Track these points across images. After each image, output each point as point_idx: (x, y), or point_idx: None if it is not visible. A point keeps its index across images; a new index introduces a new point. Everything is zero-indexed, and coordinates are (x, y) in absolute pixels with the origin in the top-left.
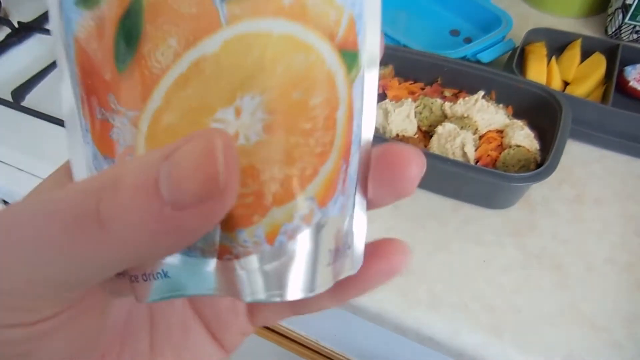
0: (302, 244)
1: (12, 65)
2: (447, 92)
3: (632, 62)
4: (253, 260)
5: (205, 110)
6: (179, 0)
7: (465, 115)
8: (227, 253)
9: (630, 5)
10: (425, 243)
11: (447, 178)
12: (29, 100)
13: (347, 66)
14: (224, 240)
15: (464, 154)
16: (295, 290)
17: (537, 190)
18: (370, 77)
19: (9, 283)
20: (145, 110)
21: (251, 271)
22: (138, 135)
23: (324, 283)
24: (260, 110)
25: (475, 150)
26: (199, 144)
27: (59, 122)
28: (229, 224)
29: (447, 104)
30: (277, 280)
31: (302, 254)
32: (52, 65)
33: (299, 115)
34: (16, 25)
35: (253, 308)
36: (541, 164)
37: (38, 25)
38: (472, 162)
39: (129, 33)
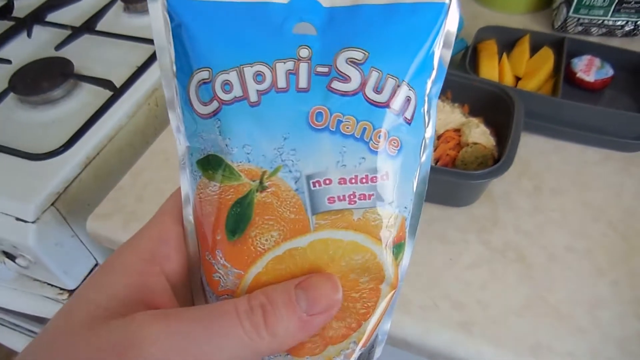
0: None
1: None
2: None
3: (578, 54)
4: None
5: (293, 278)
6: (283, 207)
7: None
8: None
9: None
10: None
11: None
12: None
13: (394, 255)
14: None
15: None
16: None
17: (498, 185)
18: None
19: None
20: (249, 272)
21: None
22: (240, 286)
23: None
24: None
25: (434, 150)
26: (329, 279)
27: (13, 153)
28: (300, 352)
29: None
30: None
31: None
32: (2, 94)
33: (351, 288)
34: None
35: None
36: (499, 159)
37: None
38: (432, 163)
39: (240, 217)
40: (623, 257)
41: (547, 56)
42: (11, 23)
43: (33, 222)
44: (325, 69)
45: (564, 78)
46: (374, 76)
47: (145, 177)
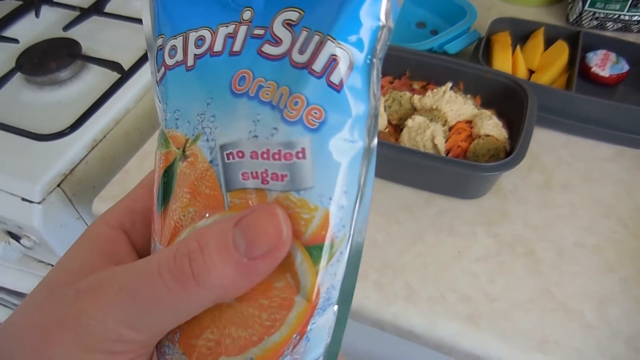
0: None
1: None
2: (416, 85)
3: (593, 48)
4: None
5: None
6: (199, 180)
7: (434, 107)
8: None
9: None
10: (400, 237)
11: (419, 170)
12: None
13: (313, 259)
14: None
15: (435, 146)
16: None
17: (508, 178)
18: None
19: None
20: None
21: None
22: None
23: None
24: None
25: (446, 141)
26: (265, 211)
27: (19, 133)
28: (192, 355)
29: (416, 97)
30: None
31: None
32: (9, 74)
33: (261, 293)
34: None
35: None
36: (510, 152)
37: None
38: (443, 154)
39: (166, 187)
40: (633, 254)
41: (561, 50)
42: (19, 2)
43: (39, 203)
44: (262, 31)
45: (579, 72)
46: (302, 36)
47: (151, 161)
